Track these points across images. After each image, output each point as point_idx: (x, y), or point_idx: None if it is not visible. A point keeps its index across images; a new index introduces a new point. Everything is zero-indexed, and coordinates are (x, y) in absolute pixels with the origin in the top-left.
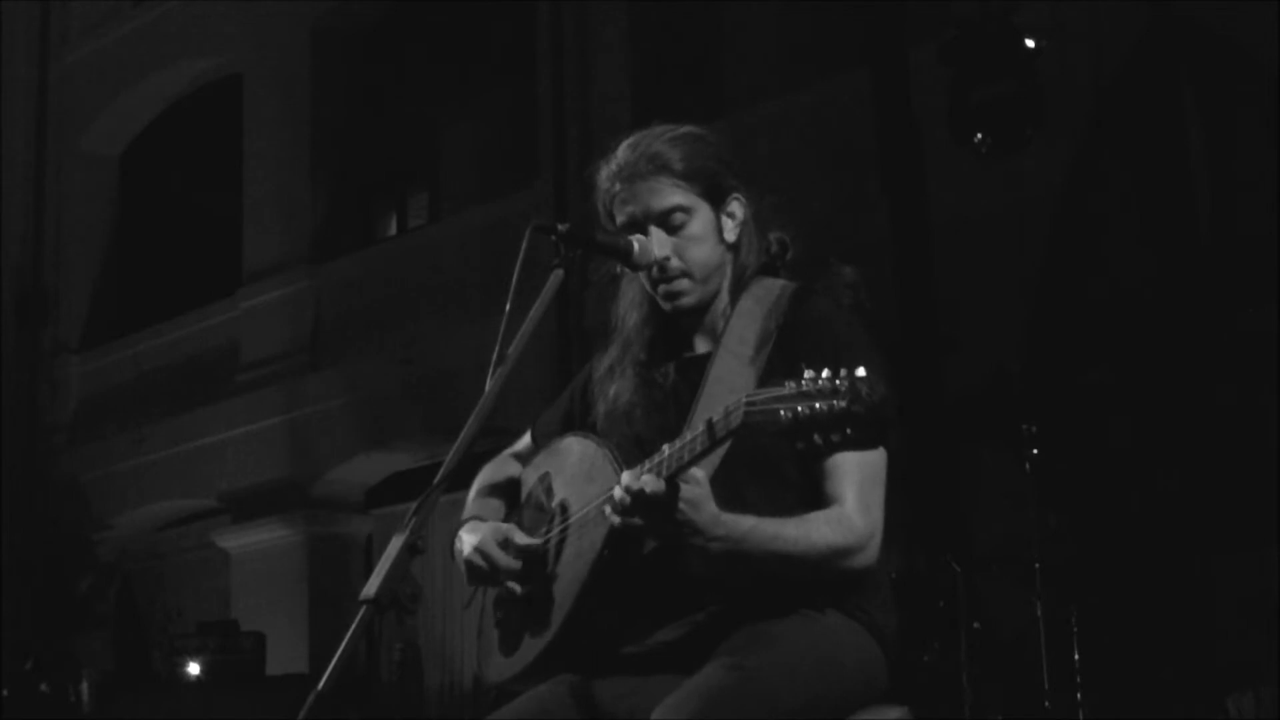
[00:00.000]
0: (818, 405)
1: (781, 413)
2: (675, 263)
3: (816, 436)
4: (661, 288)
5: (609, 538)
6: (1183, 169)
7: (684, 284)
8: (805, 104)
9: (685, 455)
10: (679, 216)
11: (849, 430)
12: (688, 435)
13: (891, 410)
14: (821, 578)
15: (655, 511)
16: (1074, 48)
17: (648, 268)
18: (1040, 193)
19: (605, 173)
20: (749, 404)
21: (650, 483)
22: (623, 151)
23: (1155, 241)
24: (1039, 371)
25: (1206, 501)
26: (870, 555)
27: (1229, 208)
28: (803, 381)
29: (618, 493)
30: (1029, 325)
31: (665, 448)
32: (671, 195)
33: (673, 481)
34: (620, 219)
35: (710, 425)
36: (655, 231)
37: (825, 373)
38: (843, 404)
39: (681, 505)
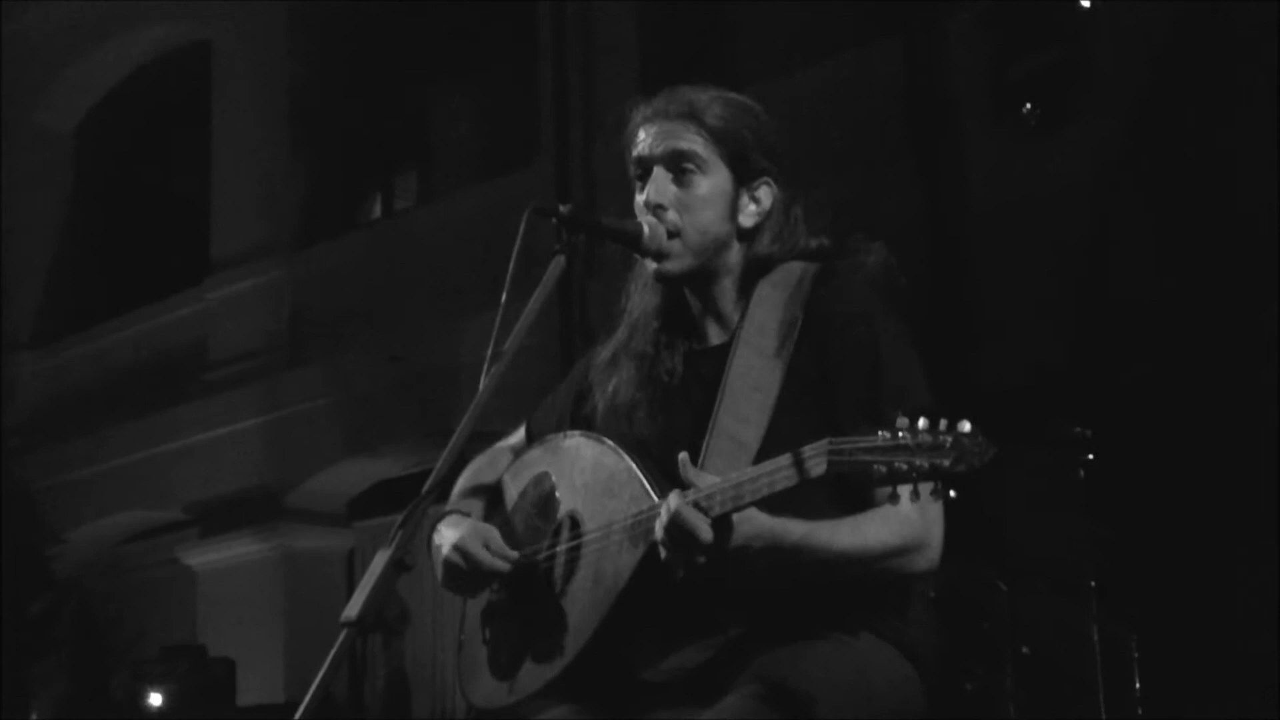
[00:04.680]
0: (917, 462)
1: (875, 466)
2: (671, 216)
3: (907, 486)
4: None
5: (640, 568)
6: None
7: (674, 245)
8: (828, 78)
9: (746, 495)
10: (689, 166)
11: (950, 492)
12: (750, 472)
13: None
14: (880, 581)
15: (706, 550)
16: (1122, 12)
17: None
18: (1083, 177)
19: (637, 115)
20: (833, 452)
21: (702, 530)
22: (660, 97)
23: (1169, 236)
24: (1083, 368)
25: (1209, 501)
26: (932, 556)
27: (1229, 207)
28: (899, 432)
29: (659, 533)
30: (1073, 319)
31: (716, 478)
32: (690, 142)
33: (726, 520)
34: (631, 154)
35: (800, 463)
36: (659, 173)
37: (923, 422)
38: (945, 463)
39: (735, 537)
